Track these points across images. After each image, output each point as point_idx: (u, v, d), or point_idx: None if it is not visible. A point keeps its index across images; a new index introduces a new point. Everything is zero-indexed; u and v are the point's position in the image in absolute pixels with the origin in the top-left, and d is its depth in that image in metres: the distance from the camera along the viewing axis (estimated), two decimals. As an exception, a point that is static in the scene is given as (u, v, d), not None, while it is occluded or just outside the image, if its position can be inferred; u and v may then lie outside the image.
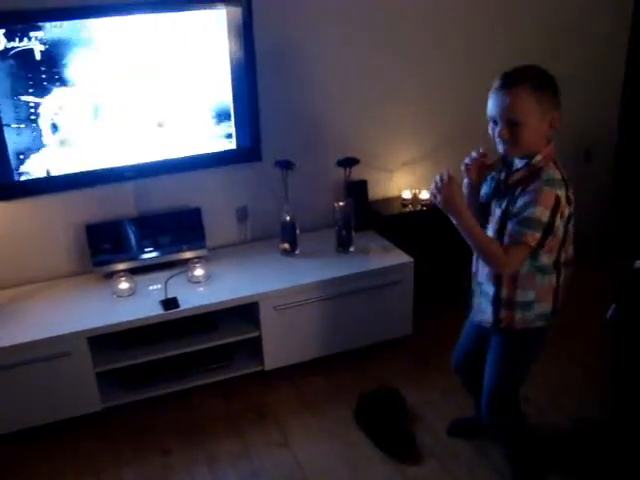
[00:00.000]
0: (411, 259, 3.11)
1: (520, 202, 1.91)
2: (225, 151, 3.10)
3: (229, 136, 3.07)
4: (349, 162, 3.12)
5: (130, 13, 2.72)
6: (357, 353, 3.14)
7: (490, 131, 1.97)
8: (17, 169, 2.77)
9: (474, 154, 2.05)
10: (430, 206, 3.40)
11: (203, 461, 2.60)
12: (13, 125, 2.69)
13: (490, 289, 2.10)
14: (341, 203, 3.18)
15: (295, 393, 2.97)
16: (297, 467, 2.55)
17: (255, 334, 2.94)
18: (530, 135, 1.90)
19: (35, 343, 2.59)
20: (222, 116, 3.03)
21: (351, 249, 3.20)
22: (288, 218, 3.14)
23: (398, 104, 3.42)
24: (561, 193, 1.90)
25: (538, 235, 1.88)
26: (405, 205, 3.45)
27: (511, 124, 1.89)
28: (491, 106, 1.93)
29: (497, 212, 2.04)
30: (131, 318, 2.73)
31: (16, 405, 2.64)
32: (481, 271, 2.14)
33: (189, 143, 3.02)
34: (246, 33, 2.91)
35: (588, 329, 3.22)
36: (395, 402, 2.77)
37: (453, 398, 2.84)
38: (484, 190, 2.13)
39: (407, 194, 3.46)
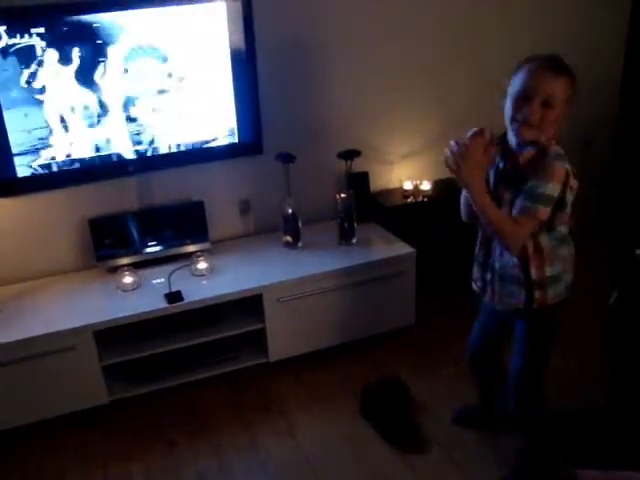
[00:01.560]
0: (413, 250, 3.12)
1: (532, 179, 1.92)
2: (227, 145, 3.11)
3: (231, 130, 3.08)
4: (350, 154, 3.13)
5: (132, 7, 2.73)
6: (361, 344, 3.16)
7: (509, 109, 1.95)
8: (21, 164, 2.78)
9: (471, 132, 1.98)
10: (431, 197, 3.42)
11: (209, 452, 2.63)
12: (17, 120, 2.70)
13: (517, 272, 2.08)
14: (343, 195, 3.19)
15: (300, 384, 3.00)
16: (303, 457, 2.57)
17: (259, 326, 2.96)
18: (553, 121, 1.92)
19: (41, 338, 2.61)
20: (224, 110, 3.03)
21: (353, 241, 3.22)
22: (290, 211, 3.15)
23: (398, 96, 3.43)
24: (568, 167, 1.93)
25: (548, 210, 1.91)
26: (406, 196, 3.46)
27: (545, 105, 1.90)
28: (529, 83, 1.91)
29: (507, 196, 2.03)
30: (136, 312, 2.74)
31: (23, 399, 2.66)
32: (504, 257, 2.10)
33: (191, 137, 3.03)
34: (246, 26, 2.92)
35: (589, 316, 3.23)
36: (399, 392, 2.79)
37: (458, 387, 2.87)
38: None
39: (408, 185, 3.47)
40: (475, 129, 1.95)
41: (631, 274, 2.42)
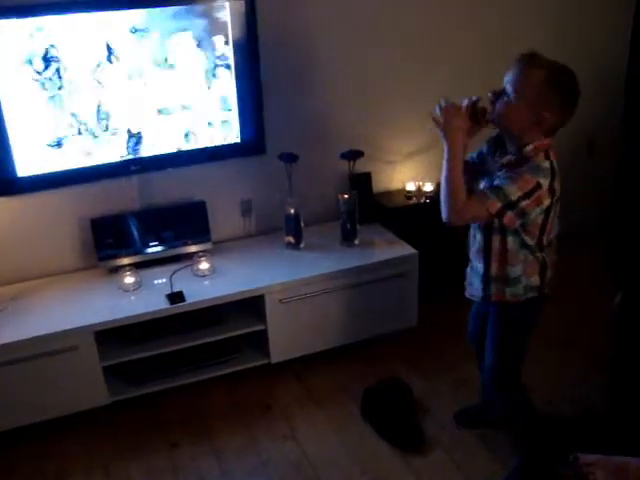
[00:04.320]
0: (415, 251, 3.11)
1: (502, 177, 1.99)
2: (229, 144, 3.09)
3: (233, 129, 3.07)
4: (353, 155, 3.11)
5: (134, 7, 2.72)
6: (363, 345, 3.15)
7: None
8: (23, 163, 2.77)
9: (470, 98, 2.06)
10: (434, 199, 3.41)
11: (210, 454, 2.61)
12: (20, 119, 2.70)
13: (479, 266, 2.17)
14: (345, 195, 3.18)
15: (301, 386, 2.98)
16: (304, 459, 2.56)
17: (261, 327, 2.95)
18: (510, 112, 1.97)
19: (42, 338, 2.60)
20: (226, 109, 3.02)
21: (356, 242, 3.20)
22: (292, 211, 3.14)
23: (401, 96, 3.41)
24: (544, 182, 1.95)
25: (499, 205, 1.95)
26: (409, 197, 3.45)
27: (505, 94, 1.97)
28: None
29: (481, 184, 2.12)
30: (137, 312, 2.73)
31: (23, 400, 2.65)
32: (472, 248, 2.21)
33: (193, 136, 3.02)
34: (249, 25, 2.90)
35: (591, 319, 3.22)
36: (401, 393, 2.78)
37: (459, 388, 2.86)
38: (476, 153, 2.21)
39: (411, 186, 3.46)
40: (474, 97, 2.03)
41: (635, 275, 2.41)
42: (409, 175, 3.55)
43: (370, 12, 3.21)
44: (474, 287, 2.24)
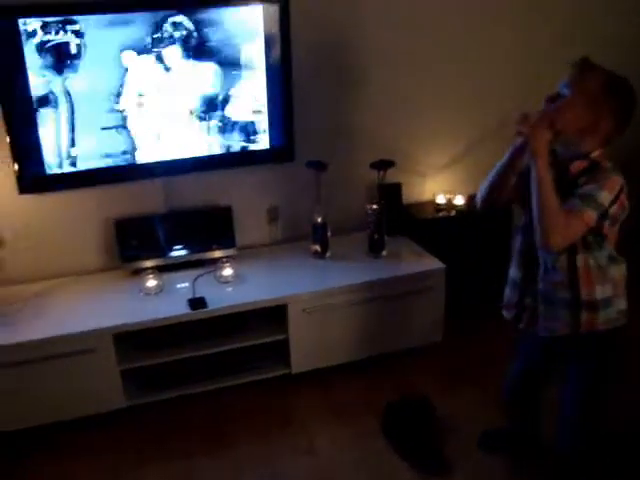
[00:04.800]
0: (443, 265, 3.03)
1: (587, 184, 1.86)
2: (258, 150, 3.06)
3: (263, 135, 3.03)
4: (383, 165, 3.05)
5: (169, 7, 2.70)
6: (386, 359, 3.07)
7: None
8: (50, 162, 2.76)
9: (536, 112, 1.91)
10: (464, 212, 3.33)
11: (226, 465, 2.55)
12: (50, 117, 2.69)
13: (565, 293, 1.96)
14: (374, 206, 3.11)
15: (322, 398, 2.91)
16: (321, 475, 2.49)
17: (283, 337, 2.89)
18: (569, 113, 1.85)
19: (60, 338, 2.57)
20: (256, 115, 2.98)
21: (383, 253, 3.14)
22: (320, 220, 3.08)
23: (435, 105, 3.36)
24: (624, 183, 1.86)
25: (595, 216, 1.82)
26: (439, 210, 3.37)
27: (561, 96, 1.88)
28: None
29: None
30: (158, 317, 2.69)
31: (39, 399, 2.62)
32: (550, 277, 1.99)
33: (222, 141, 2.98)
34: (282, 29, 2.87)
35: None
36: (424, 411, 2.70)
37: (485, 410, 2.76)
38: None
39: (441, 199, 3.39)
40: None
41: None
42: (440, 188, 3.47)
43: (408, 20, 3.16)
44: (557, 320, 2.00)
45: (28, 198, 2.84)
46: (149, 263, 3.00)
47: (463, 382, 2.98)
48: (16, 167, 2.72)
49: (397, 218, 3.30)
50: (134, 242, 2.99)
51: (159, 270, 2.94)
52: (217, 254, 3.08)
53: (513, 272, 2.11)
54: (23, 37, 2.55)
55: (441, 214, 3.36)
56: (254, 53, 2.88)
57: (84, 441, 2.69)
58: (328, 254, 3.13)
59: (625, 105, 1.87)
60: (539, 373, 2.29)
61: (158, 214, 3.04)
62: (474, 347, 3.18)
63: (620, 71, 1.88)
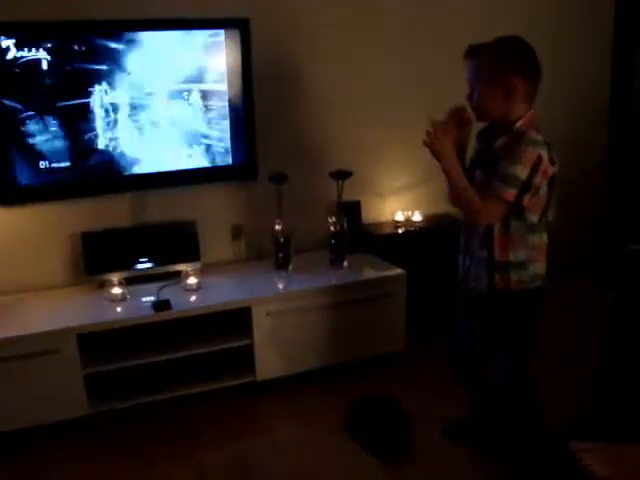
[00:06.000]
0: (403, 271, 3.12)
1: (503, 162, 1.98)
2: (221, 167, 3.17)
3: (226, 153, 3.16)
4: (341, 175, 3.18)
5: (139, 30, 2.88)
6: (350, 365, 3.10)
7: None
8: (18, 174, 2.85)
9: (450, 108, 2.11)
10: (422, 227, 3.45)
11: (190, 470, 2.51)
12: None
13: (483, 253, 2.11)
14: (334, 219, 3.21)
15: (287, 404, 2.92)
16: (289, 476, 2.48)
17: (247, 342, 2.91)
18: (483, 100, 2.03)
19: (22, 338, 2.57)
20: (220, 133, 3.12)
21: (344, 264, 3.22)
22: (281, 233, 3.16)
23: (394, 128, 3.50)
24: (543, 153, 1.96)
25: (514, 192, 1.95)
26: (398, 226, 3.49)
27: (471, 90, 2.06)
28: None
29: (479, 177, 2.11)
30: (122, 317, 2.72)
31: None
32: (475, 239, 2.14)
33: (185, 157, 3.10)
34: (244, 52, 3.05)
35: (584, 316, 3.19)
36: (389, 406, 2.71)
37: (448, 403, 2.78)
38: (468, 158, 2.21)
39: (400, 216, 3.51)
40: (457, 105, 2.06)
41: (626, 269, 2.40)
42: (398, 207, 3.60)
43: (367, 37, 3.35)
44: (479, 279, 2.15)
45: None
46: (115, 276, 3.02)
47: (428, 381, 3.02)
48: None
49: (358, 236, 3.39)
50: (100, 255, 3.02)
51: (125, 283, 2.97)
52: (182, 267, 3.11)
53: (461, 237, 2.25)
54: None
55: (399, 230, 3.47)
56: (216, 75, 3.04)
57: (45, 449, 2.63)
58: (291, 267, 3.20)
59: (522, 55, 2.00)
60: (481, 335, 2.35)
61: (124, 228, 3.10)
62: (437, 355, 3.21)
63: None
